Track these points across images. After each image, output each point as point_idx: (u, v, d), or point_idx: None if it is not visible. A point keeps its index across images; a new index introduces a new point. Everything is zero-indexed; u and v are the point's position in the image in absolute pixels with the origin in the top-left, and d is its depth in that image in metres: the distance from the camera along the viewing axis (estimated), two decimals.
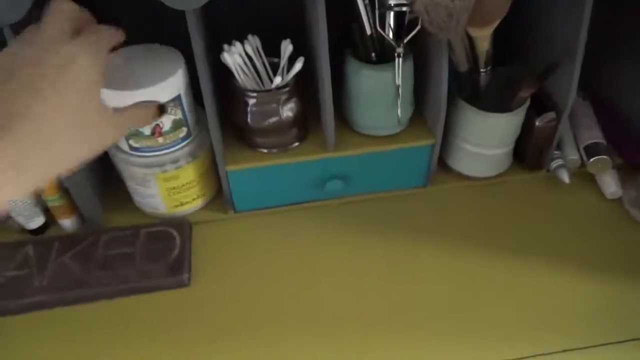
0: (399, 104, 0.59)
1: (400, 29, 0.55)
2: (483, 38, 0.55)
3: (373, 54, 0.58)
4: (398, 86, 0.58)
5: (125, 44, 0.58)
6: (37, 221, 0.64)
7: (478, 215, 0.67)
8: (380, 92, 0.59)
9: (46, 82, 0.34)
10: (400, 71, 0.56)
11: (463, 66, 0.58)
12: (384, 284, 0.59)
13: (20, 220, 0.63)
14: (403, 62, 0.56)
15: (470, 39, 0.56)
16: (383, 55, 0.58)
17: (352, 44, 0.59)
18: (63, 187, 0.62)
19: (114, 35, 0.41)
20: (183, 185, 0.63)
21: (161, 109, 0.54)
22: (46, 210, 0.65)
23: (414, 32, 0.54)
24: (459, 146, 0.66)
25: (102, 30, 0.40)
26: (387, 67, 0.57)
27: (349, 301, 0.58)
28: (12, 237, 0.65)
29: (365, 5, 0.53)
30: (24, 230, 0.65)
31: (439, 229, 0.65)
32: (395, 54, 0.55)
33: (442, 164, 0.69)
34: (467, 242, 0.63)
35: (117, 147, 0.60)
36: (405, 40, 0.54)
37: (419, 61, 0.60)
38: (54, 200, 0.62)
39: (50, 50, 0.35)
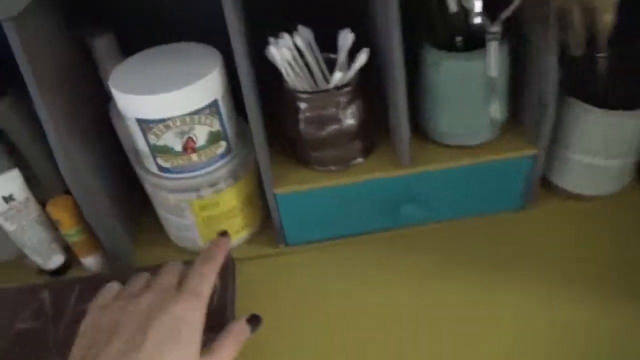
0: (493, 102, 0.45)
1: (494, 3, 0.43)
2: (607, 6, 0.41)
3: (459, 39, 0.45)
4: (492, 79, 0.45)
5: (153, 44, 0.49)
6: (56, 260, 0.54)
7: (591, 245, 0.51)
8: (469, 88, 0.46)
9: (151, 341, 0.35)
10: (495, 58, 0.43)
11: (578, 49, 0.44)
12: (470, 333, 0.45)
13: (37, 259, 0.53)
14: (499, 46, 0.43)
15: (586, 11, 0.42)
16: (469, 41, 0.46)
17: (428, 28, 0.47)
18: (84, 219, 0.52)
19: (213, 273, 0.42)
20: (223, 213, 0.51)
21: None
22: (67, 248, 0.55)
23: (515, 4, 0.41)
24: (567, 157, 0.52)
25: (205, 275, 0.41)
26: (476, 55, 0.44)
27: (428, 354, 0.44)
28: (29, 279, 0.55)
29: None
30: (42, 271, 0.55)
31: (540, 263, 0.50)
32: (488, 37, 0.43)
33: (543, 181, 0.55)
34: (577, 281, 0.48)
35: (144, 169, 0.49)
36: (503, 17, 0.42)
37: (515, 48, 0.46)
38: (73, 235, 0.52)
39: (158, 309, 0.37)
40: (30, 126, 0.58)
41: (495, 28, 0.41)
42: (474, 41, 0.45)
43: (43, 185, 0.61)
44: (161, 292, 0.38)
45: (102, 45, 0.50)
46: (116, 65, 0.51)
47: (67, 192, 0.60)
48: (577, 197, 0.55)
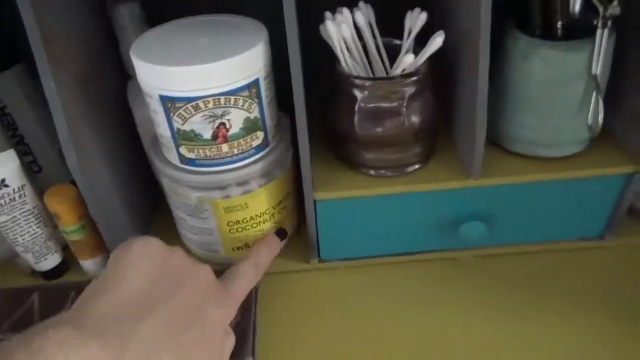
0: (595, 104, 0.37)
1: None
2: None
3: (560, 24, 0.37)
4: (595, 76, 0.36)
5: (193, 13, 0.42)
6: (51, 260, 0.46)
7: None
8: (565, 86, 0.38)
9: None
10: (602, 51, 0.35)
11: None
12: None
13: (29, 258, 0.45)
14: (608, 37, 0.35)
15: None
16: (569, 29, 0.38)
17: (518, 9, 0.39)
18: (88, 214, 0.44)
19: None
20: (252, 218, 0.43)
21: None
22: (65, 247, 0.47)
23: None
24: None
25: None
26: (581, 45, 0.36)
27: None
28: (19, 281, 0.48)
29: None
30: (34, 272, 0.47)
31: (620, 303, 0.42)
32: (599, 23, 0.35)
33: (629, 206, 0.46)
34: None
35: (163, 159, 0.42)
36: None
37: (620, 39, 0.38)
38: (74, 232, 0.44)
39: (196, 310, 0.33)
40: (36, 106, 0.51)
41: (614, 10, 0.33)
42: (573, 31, 0.38)
43: (45, 175, 0.53)
44: (214, 278, 0.35)
45: (126, 13, 0.43)
46: None
47: (72, 182, 0.53)
48: None
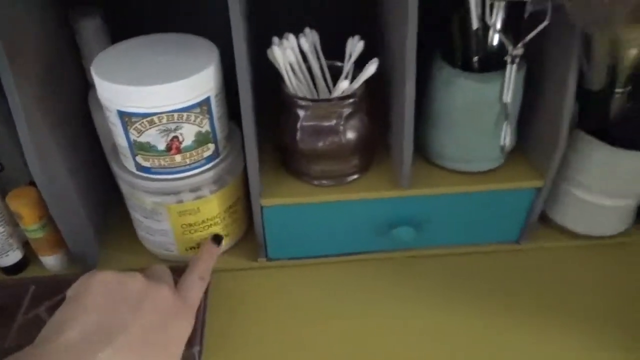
0: (504, 128, 0.43)
1: (517, 25, 0.40)
2: (634, 40, 0.39)
3: (475, 59, 0.42)
4: (506, 104, 0.42)
5: (144, 32, 0.45)
6: (13, 257, 0.49)
7: (587, 286, 0.49)
8: (481, 112, 0.43)
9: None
10: (512, 83, 0.41)
11: (598, 83, 0.42)
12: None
13: None
14: (517, 70, 0.41)
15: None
16: (485, 62, 0.43)
17: (443, 43, 0.44)
18: (48, 214, 0.47)
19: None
20: (203, 221, 0.47)
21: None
22: (26, 244, 0.50)
23: (539, 28, 0.38)
24: (569, 192, 0.50)
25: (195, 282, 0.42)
26: (492, 77, 0.42)
27: None
28: None
29: None
30: None
31: (532, 301, 0.48)
32: (508, 59, 0.40)
33: (540, 215, 0.52)
34: (569, 322, 0.46)
35: (121, 166, 0.45)
36: (527, 39, 0.39)
37: (530, 73, 0.44)
38: (35, 231, 0.47)
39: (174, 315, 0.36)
40: (2, 108, 0.53)
41: (518, 51, 0.39)
42: (489, 62, 0.43)
43: (6, 174, 0.55)
44: (174, 294, 0.37)
45: (89, 27, 0.46)
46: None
47: (32, 183, 0.55)
48: (576, 236, 0.52)
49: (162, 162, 0.42)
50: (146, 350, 0.33)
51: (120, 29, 0.46)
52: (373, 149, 0.48)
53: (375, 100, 0.46)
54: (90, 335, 0.31)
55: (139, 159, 0.42)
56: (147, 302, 0.35)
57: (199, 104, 0.40)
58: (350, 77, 0.44)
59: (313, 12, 0.50)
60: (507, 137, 0.43)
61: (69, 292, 0.35)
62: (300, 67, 0.44)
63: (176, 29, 0.45)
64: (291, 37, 0.43)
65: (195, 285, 0.41)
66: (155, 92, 0.38)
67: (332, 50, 0.46)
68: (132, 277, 0.36)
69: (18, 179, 0.55)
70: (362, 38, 0.44)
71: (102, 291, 0.34)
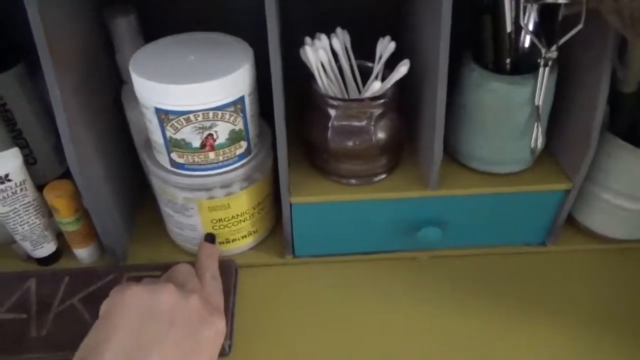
0: (535, 130, 0.43)
1: (550, 27, 0.40)
2: None
3: (508, 61, 0.43)
4: (537, 106, 0.42)
5: (178, 31, 0.46)
6: (47, 248, 0.51)
7: (613, 290, 0.49)
8: (511, 114, 0.43)
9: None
10: (544, 85, 0.41)
11: (630, 85, 0.42)
12: None
13: (27, 246, 0.50)
14: (550, 73, 0.41)
15: None
16: (517, 64, 0.43)
17: (476, 45, 0.44)
18: (82, 207, 0.48)
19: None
20: (233, 217, 0.48)
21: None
22: (59, 236, 0.51)
23: (573, 32, 0.38)
24: (597, 196, 0.50)
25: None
26: (524, 80, 0.42)
27: None
28: (15, 265, 0.52)
29: None
30: (30, 258, 0.51)
31: (557, 303, 0.48)
32: (541, 62, 0.40)
33: (568, 217, 0.52)
34: (595, 325, 0.46)
35: (154, 161, 0.46)
36: (560, 43, 0.39)
37: (561, 75, 0.44)
38: (70, 224, 0.48)
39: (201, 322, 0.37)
40: (35, 103, 0.55)
41: (552, 54, 0.39)
42: (521, 64, 0.43)
43: (39, 167, 0.57)
44: (203, 300, 0.38)
45: (123, 25, 0.47)
46: (135, 49, 0.48)
47: (62, 176, 0.57)
48: (603, 239, 0.52)
49: (196, 159, 0.43)
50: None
51: (151, 28, 0.47)
52: (401, 149, 0.49)
53: (403, 99, 0.46)
54: (125, 356, 0.32)
55: (173, 155, 0.43)
56: (179, 315, 0.35)
57: (234, 103, 0.41)
58: (380, 77, 0.45)
59: (337, 12, 0.50)
60: (537, 140, 0.43)
61: (102, 309, 0.36)
62: (331, 66, 0.44)
63: (205, 27, 0.46)
64: (323, 37, 0.43)
65: (213, 287, 0.42)
66: (193, 91, 0.38)
67: (361, 50, 0.47)
68: (162, 290, 0.36)
69: (47, 174, 0.57)
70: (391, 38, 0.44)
71: (133, 308, 0.34)
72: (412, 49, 0.47)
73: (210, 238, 0.48)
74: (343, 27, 0.46)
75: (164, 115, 0.40)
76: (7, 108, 0.53)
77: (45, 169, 0.58)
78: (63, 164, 0.60)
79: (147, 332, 0.33)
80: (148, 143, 0.47)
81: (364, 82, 0.47)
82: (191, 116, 0.40)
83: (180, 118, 0.40)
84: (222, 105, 0.40)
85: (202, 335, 0.36)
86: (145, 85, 0.40)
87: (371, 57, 0.46)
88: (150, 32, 0.47)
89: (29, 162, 0.57)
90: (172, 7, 0.54)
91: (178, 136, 0.41)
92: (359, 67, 0.47)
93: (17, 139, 0.55)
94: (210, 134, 0.41)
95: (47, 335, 0.43)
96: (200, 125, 0.41)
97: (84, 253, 0.51)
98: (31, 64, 0.54)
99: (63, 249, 0.52)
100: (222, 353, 0.43)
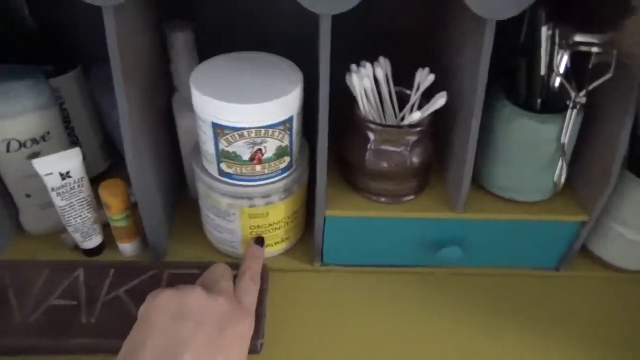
0: (560, 165, 0.46)
1: (580, 72, 0.43)
2: None
3: (539, 101, 0.46)
4: (563, 144, 0.45)
5: (232, 47, 0.50)
6: (95, 240, 0.54)
7: (622, 317, 0.53)
8: (538, 149, 0.47)
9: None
10: (571, 125, 0.44)
11: None
12: None
13: (77, 237, 0.53)
14: (577, 114, 0.44)
15: None
16: (546, 103, 0.47)
17: (510, 83, 0.47)
18: (130, 205, 0.52)
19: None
20: (270, 224, 0.52)
21: None
22: (105, 228, 0.55)
23: (602, 79, 0.42)
24: (611, 228, 0.53)
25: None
26: (552, 119, 0.45)
27: None
28: (64, 255, 0.55)
29: (547, 37, 0.42)
30: (77, 247, 0.55)
31: (566, 327, 0.51)
32: (570, 104, 0.43)
33: (581, 246, 0.55)
34: (604, 350, 0.49)
35: (203, 169, 0.50)
36: (590, 88, 0.42)
37: (586, 115, 0.47)
38: (119, 220, 0.52)
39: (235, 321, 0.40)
40: (88, 104, 0.59)
41: (581, 98, 0.42)
42: (550, 103, 0.46)
43: (86, 163, 0.61)
44: (231, 300, 0.40)
45: (181, 39, 0.51)
46: (189, 61, 0.51)
47: (106, 172, 0.61)
48: (613, 268, 0.55)
49: (244, 170, 0.47)
50: (213, 358, 0.36)
51: (205, 43, 0.52)
52: (429, 173, 0.52)
53: (436, 128, 0.50)
54: (160, 356, 0.35)
55: (222, 165, 0.47)
56: (208, 316, 0.38)
57: (284, 122, 0.44)
58: (416, 106, 0.48)
59: (380, 41, 0.54)
60: (560, 175, 0.46)
61: (140, 311, 0.39)
62: (373, 92, 0.48)
63: (252, 45, 0.50)
64: (368, 65, 0.47)
65: (249, 289, 0.44)
66: (250, 110, 0.42)
67: (398, 76, 0.50)
68: (190, 292, 0.39)
69: (92, 169, 0.60)
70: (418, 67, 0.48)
71: (165, 311, 0.37)
72: (447, 80, 0.50)
73: (259, 241, 0.51)
74: (379, 52, 0.49)
75: (219, 130, 0.44)
76: (65, 107, 0.57)
77: (92, 164, 0.62)
78: (107, 160, 0.64)
79: (178, 332, 0.36)
80: (196, 149, 0.50)
81: (401, 108, 0.51)
82: (245, 132, 0.44)
83: (235, 133, 0.44)
84: (273, 123, 0.44)
85: (229, 334, 0.38)
86: (205, 101, 0.43)
87: (406, 82, 0.49)
88: (203, 46, 0.51)
89: None
90: (223, 24, 0.58)
91: (230, 149, 0.45)
92: (396, 92, 0.50)
93: (70, 136, 0.59)
94: (260, 149, 0.45)
95: (96, 323, 0.47)
96: (251, 141, 0.44)
97: (127, 248, 0.55)
98: (85, 68, 0.59)
99: (107, 242, 0.56)
100: (254, 350, 0.47)
